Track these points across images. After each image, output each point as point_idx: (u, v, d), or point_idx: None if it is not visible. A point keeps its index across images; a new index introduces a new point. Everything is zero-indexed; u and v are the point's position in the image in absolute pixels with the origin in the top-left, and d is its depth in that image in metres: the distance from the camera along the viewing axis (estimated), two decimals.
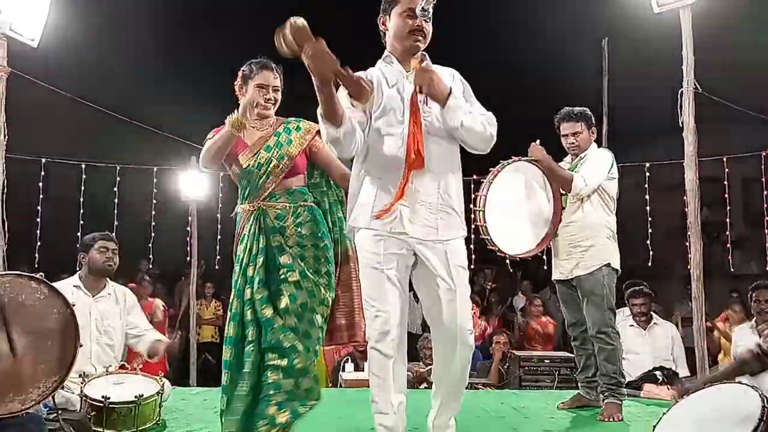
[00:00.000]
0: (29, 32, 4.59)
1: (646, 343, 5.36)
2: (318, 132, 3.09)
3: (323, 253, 3.08)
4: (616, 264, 3.95)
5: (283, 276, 2.97)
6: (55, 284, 3.86)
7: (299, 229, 3.05)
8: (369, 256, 2.66)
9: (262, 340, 2.93)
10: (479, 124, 2.65)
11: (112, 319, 3.99)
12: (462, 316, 2.65)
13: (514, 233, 3.83)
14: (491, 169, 3.76)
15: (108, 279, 4.11)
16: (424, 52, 2.76)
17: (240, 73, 3.18)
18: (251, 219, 3.07)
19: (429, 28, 2.70)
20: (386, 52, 2.78)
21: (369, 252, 2.66)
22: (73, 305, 3.31)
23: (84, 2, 6.10)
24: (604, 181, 3.92)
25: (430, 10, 2.63)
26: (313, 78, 2.34)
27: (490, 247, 3.75)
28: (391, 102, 2.67)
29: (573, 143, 4.02)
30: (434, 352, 2.81)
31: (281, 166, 3.07)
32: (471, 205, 3.53)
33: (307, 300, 2.97)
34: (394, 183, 2.62)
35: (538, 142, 3.88)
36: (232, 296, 3.08)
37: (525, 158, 3.85)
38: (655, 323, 5.46)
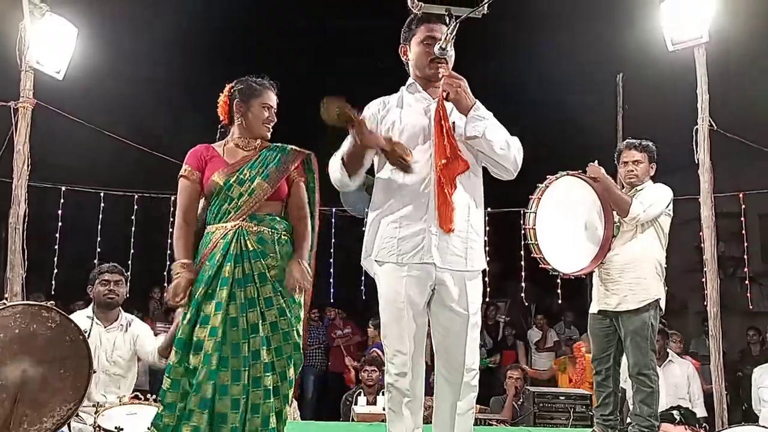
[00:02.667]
0: (55, 65, 4.72)
1: (661, 382, 5.27)
2: (303, 160, 2.98)
3: (298, 295, 2.83)
4: (663, 303, 3.85)
5: (262, 310, 2.73)
6: (74, 314, 3.94)
7: (281, 261, 2.80)
8: (391, 294, 2.62)
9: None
10: (503, 140, 2.58)
11: (122, 350, 4.01)
12: (470, 351, 2.62)
13: (565, 251, 3.75)
14: (538, 184, 3.73)
15: (121, 310, 4.14)
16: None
17: (236, 91, 2.99)
18: (229, 237, 2.76)
19: (451, 52, 2.69)
20: (410, 80, 2.78)
21: (391, 289, 2.62)
22: (86, 331, 3.35)
23: (107, 36, 6.24)
24: (662, 215, 3.84)
25: (449, 49, 2.64)
26: (354, 139, 2.51)
27: (543, 266, 3.68)
28: (414, 129, 2.65)
29: (632, 171, 3.92)
30: (435, 394, 2.71)
31: (265, 186, 2.84)
32: (522, 224, 3.46)
33: (281, 344, 2.74)
34: (420, 210, 2.58)
35: (596, 162, 3.82)
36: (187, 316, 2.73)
37: (580, 174, 3.78)
38: (671, 360, 5.39)
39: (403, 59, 2.81)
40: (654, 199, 3.81)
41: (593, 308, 4.00)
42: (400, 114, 2.70)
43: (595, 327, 3.98)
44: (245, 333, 2.68)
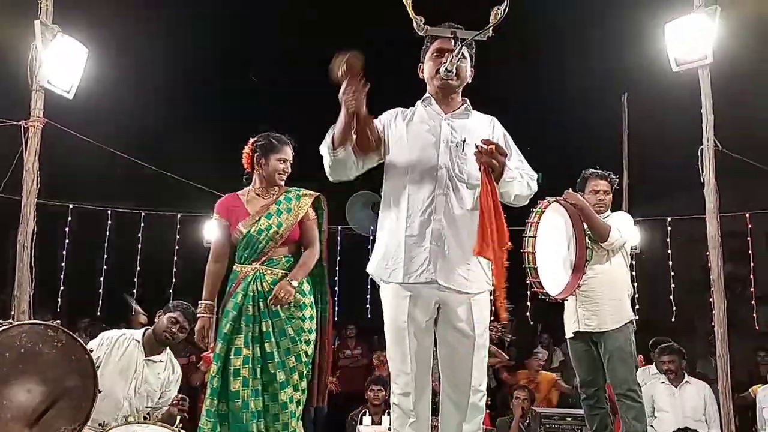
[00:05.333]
0: (65, 85, 4.77)
1: (676, 402, 5.24)
2: (314, 200, 3.46)
3: (309, 324, 3.35)
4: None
5: (277, 340, 3.27)
6: (116, 331, 3.97)
7: (293, 299, 3.30)
8: (394, 313, 2.61)
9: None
10: (526, 187, 2.65)
11: (152, 385, 4.00)
12: (477, 372, 2.59)
13: (551, 275, 3.74)
14: (532, 209, 3.76)
15: (168, 347, 4.16)
16: (465, 98, 2.77)
17: (257, 145, 3.47)
18: (248, 280, 3.30)
19: (464, 66, 2.69)
20: (426, 94, 2.78)
21: (394, 309, 2.61)
22: (91, 351, 3.36)
23: (117, 56, 6.32)
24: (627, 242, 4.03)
25: (454, 71, 2.64)
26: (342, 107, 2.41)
27: (536, 290, 3.70)
28: (424, 144, 2.64)
29: (602, 200, 4.13)
30: (441, 415, 2.69)
31: (280, 232, 3.34)
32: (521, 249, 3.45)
33: (295, 364, 3.28)
34: (423, 229, 2.57)
35: (570, 190, 3.94)
36: (219, 341, 3.30)
37: (563, 200, 3.84)
38: (687, 382, 5.33)
39: (421, 77, 2.81)
40: (626, 226, 4.05)
41: (569, 332, 4.08)
42: (409, 127, 2.70)
43: (579, 350, 4.05)
44: (260, 360, 3.25)
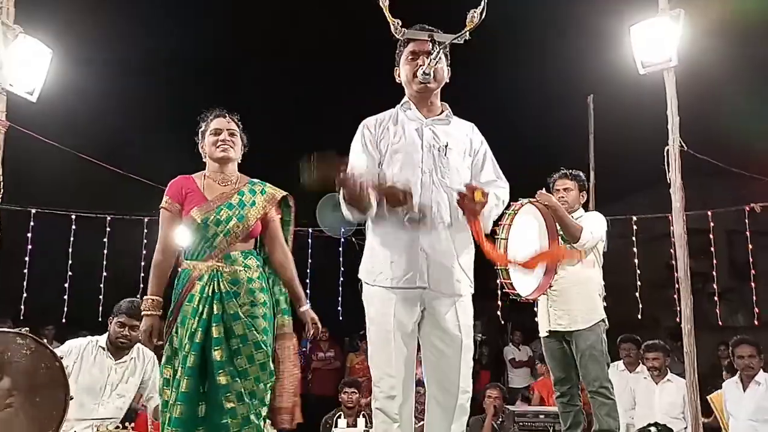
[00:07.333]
0: (28, 86, 4.65)
1: (656, 398, 5.38)
2: (279, 201, 3.17)
3: (269, 323, 3.03)
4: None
5: (236, 347, 2.90)
6: (82, 340, 3.89)
7: (252, 297, 2.98)
8: (379, 316, 2.60)
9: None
10: (502, 207, 2.73)
11: (129, 383, 3.94)
12: (463, 375, 2.61)
13: (522, 275, 3.76)
14: (505, 211, 3.78)
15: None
16: (444, 103, 2.77)
17: (198, 133, 3.22)
18: (205, 280, 2.95)
19: (441, 67, 2.68)
20: (404, 98, 2.77)
21: (380, 311, 2.60)
22: (61, 358, 3.29)
23: (82, 57, 6.20)
24: (599, 241, 4.08)
25: (431, 74, 2.64)
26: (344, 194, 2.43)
27: (508, 291, 3.73)
28: (407, 149, 2.64)
29: (563, 197, 4.17)
30: (426, 420, 2.66)
31: (241, 227, 3.01)
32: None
33: (259, 373, 2.92)
34: (411, 234, 2.56)
35: (543, 190, 3.99)
36: (169, 355, 2.98)
37: (537, 201, 3.88)
38: (668, 380, 5.46)
39: (398, 81, 2.80)
40: (597, 225, 4.08)
41: (542, 331, 4.16)
42: (394, 133, 2.68)
43: (553, 349, 4.12)
44: (217, 365, 2.84)
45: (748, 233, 6.71)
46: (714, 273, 7.24)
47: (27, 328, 3.25)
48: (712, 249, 6.97)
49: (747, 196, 6.72)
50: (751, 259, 6.82)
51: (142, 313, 3.00)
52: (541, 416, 5.32)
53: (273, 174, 3.34)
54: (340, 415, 5.50)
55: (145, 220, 7.27)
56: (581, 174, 4.31)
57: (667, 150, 4.86)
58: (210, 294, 2.91)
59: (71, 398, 3.28)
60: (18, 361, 3.13)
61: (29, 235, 6.54)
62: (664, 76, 4.92)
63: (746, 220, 6.68)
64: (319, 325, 3.19)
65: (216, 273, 2.95)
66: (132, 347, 4.00)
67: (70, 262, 6.85)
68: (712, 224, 6.91)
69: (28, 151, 5.33)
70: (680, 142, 4.85)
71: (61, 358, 3.35)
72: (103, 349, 3.91)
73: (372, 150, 2.68)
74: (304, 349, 7.85)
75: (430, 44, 2.64)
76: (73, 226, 6.85)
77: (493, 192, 2.60)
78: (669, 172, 4.85)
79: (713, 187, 8.20)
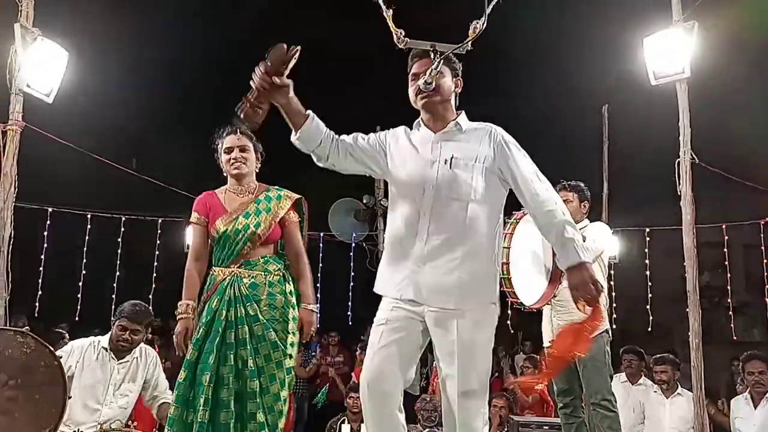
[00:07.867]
0: (45, 88, 4.73)
1: (666, 412, 5.28)
2: (294, 203, 3.34)
3: (292, 324, 3.19)
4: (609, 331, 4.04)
5: (255, 346, 3.08)
6: (84, 340, 3.92)
7: (272, 300, 3.15)
8: (379, 317, 2.59)
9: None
10: (579, 233, 2.68)
11: (131, 383, 3.96)
12: (466, 413, 2.46)
13: (526, 284, 3.76)
14: (506, 219, 3.77)
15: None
16: (460, 111, 2.73)
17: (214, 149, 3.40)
18: (226, 284, 3.15)
19: (444, 80, 2.64)
20: (418, 119, 2.75)
21: (380, 313, 2.59)
22: (61, 357, 3.34)
23: (98, 60, 6.30)
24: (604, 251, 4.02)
25: (433, 84, 2.62)
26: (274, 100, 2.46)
27: (511, 300, 3.71)
28: (415, 165, 2.62)
29: None
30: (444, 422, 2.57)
31: (258, 232, 3.20)
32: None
33: (275, 372, 3.09)
34: (407, 248, 2.55)
35: None
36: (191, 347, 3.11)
37: None
38: (679, 393, 5.35)
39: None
40: (600, 235, 4.05)
41: (546, 341, 4.12)
42: (405, 147, 2.69)
43: None
44: (233, 369, 3.04)
45: (763, 248, 6.62)
46: (729, 287, 7.16)
47: (27, 327, 3.31)
48: (727, 263, 6.90)
49: (763, 210, 6.65)
50: (766, 274, 6.72)
51: (177, 317, 3.19)
52: (545, 427, 5.28)
53: (292, 177, 3.41)
54: (344, 420, 5.49)
55: (160, 221, 7.37)
56: (581, 184, 4.26)
57: (678, 162, 4.82)
58: (230, 297, 3.11)
59: (69, 398, 3.32)
60: (18, 359, 3.18)
61: (45, 233, 6.65)
62: (677, 88, 4.88)
63: (762, 235, 6.60)
64: (311, 330, 3.27)
65: (236, 278, 3.15)
66: (133, 350, 4.03)
67: (84, 260, 6.96)
68: (726, 237, 6.84)
69: (44, 152, 5.42)
70: (691, 155, 4.80)
71: (61, 357, 3.39)
72: (106, 349, 3.94)
73: (373, 142, 2.71)
74: (313, 353, 7.86)
75: (432, 54, 2.64)
76: (89, 226, 6.96)
77: (529, 179, 2.67)
78: (679, 184, 4.80)
79: (730, 200, 8.11)
